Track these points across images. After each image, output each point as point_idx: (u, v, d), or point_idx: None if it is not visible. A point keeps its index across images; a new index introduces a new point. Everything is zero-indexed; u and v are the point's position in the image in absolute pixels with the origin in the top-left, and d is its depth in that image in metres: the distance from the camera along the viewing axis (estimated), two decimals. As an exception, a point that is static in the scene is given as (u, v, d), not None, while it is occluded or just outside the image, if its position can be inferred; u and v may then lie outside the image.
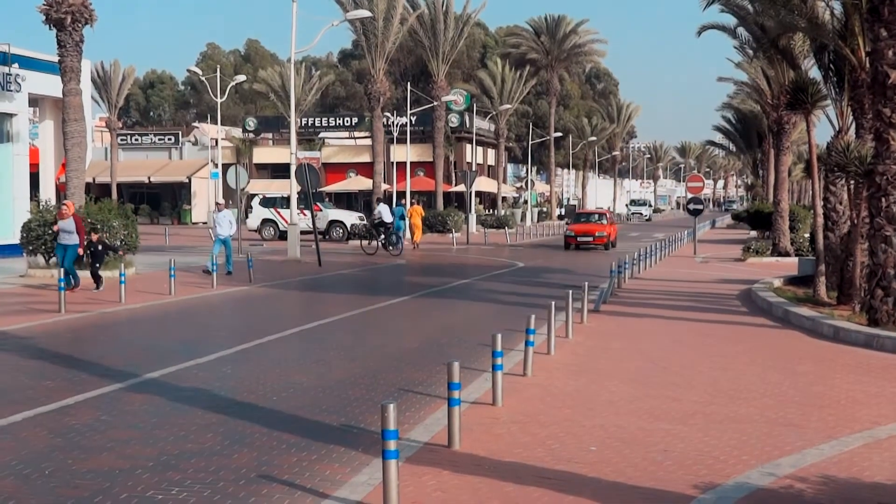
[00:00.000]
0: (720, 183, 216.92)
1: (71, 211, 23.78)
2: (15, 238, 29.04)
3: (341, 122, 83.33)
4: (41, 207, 28.47)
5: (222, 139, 68.10)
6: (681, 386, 12.17)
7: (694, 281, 28.26)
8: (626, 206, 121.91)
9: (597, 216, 49.02)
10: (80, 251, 23.70)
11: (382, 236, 41.17)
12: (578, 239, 45.00)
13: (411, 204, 52.75)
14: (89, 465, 8.38)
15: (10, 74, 33.10)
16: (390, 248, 40.73)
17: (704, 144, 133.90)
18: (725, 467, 8.38)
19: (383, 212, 42.09)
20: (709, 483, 7.87)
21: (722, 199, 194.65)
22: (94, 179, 72.15)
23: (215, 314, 20.32)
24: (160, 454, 8.74)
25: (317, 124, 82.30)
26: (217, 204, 30.90)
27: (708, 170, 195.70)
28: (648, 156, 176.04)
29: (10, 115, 33.91)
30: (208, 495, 7.55)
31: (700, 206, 44.93)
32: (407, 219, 47.78)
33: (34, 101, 35.79)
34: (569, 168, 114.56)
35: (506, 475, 8.05)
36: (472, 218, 61.42)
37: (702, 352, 15.18)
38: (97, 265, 24.09)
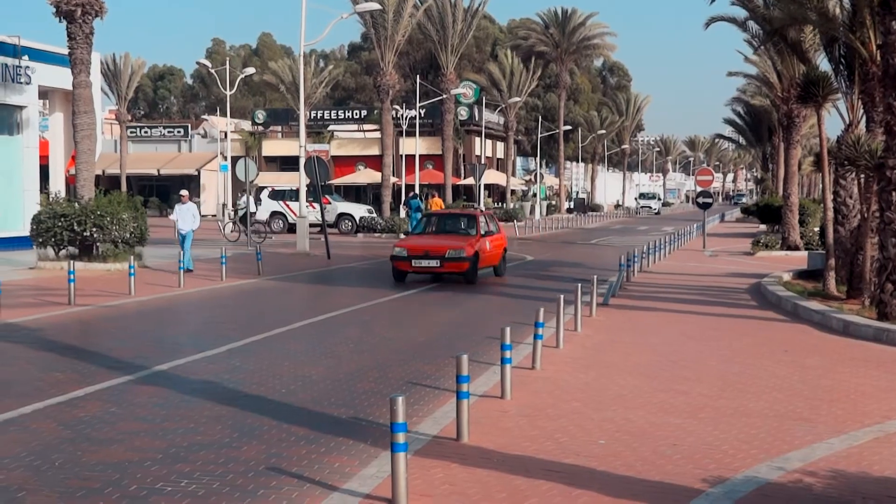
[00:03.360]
0: (729, 176, 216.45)
1: None
2: (25, 230, 29.08)
3: (350, 114, 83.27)
4: (51, 200, 28.51)
5: (231, 132, 68.15)
6: (690, 380, 12.16)
7: (703, 275, 28.22)
8: (636, 199, 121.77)
9: (462, 221, 27.06)
10: None
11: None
12: (414, 263, 24.22)
13: (431, 196, 52.82)
14: (99, 457, 8.41)
15: (21, 66, 33.14)
16: (255, 236, 41.55)
17: (714, 138, 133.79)
18: (734, 461, 8.37)
19: (250, 203, 43.48)
20: (718, 477, 7.86)
21: (731, 193, 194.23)
22: (103, 172, 72.18)
23: (224, 307, 20.33)
24: (169, 446, 8.76)
25: (326, 117, 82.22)
26: (180, 196, 28.81)
27: (717, 163, 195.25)
28: (658, 149, 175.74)
29: (21, 108, 33.95)
30: (217, 487, 7.57)
31: (709, 200, 44.72)
32: (425, 210, 48.08)
33: (44, 93, 35.81)
34: (578, 161, 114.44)
35: (514, 468, 8.05)
36: (481, 211, 61.26)
37: (711, 346, 15.16)
38: None
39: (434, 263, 23.94)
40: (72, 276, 19.43)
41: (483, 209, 35.02)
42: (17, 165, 33.87)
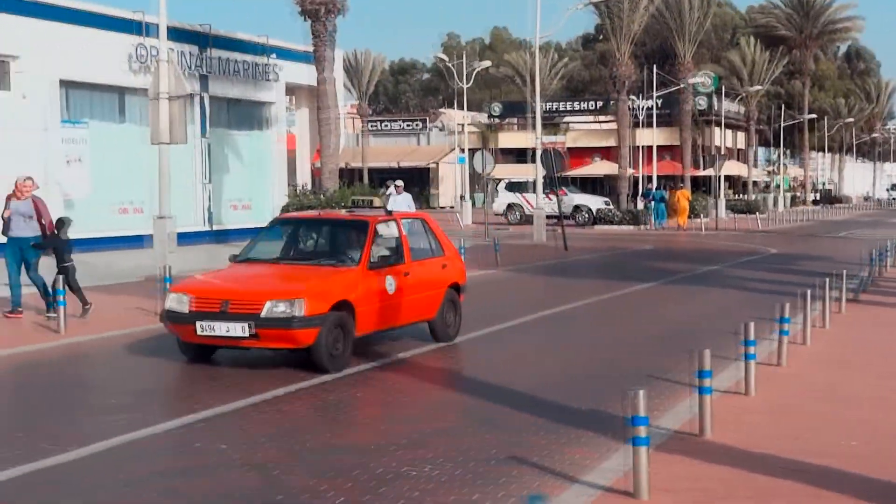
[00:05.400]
0: None
1: (30, 189, 15.51)
2: (275, 221, 30.41)
3: (585, 106, 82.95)
4: (298, 192, 29.70)
5: (467, 124, 69.15)
6: (949, 381, 11.48)
7: (962, 270, 26.52)
8: (887, 190, 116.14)
9: (337, 237, 14.09)
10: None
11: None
12: (201, 327, 11.54)
13: (678, 188, 52.45)
14: (345, 440, 8.72)
15: (268, 65, 34.69)
16: None
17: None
18: None
19: (391, 205, 31.68)
20: (983, 485, 7.39)
21: None
22: (346, 164, 74.55)
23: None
24: (412, 431, 8.97)
25: (561, 108, 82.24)
26: (396, 186, 26.90)
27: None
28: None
29: (269, 104, 35.57)
30: (459, 474, 7.69)
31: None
32: (670, 202, 48.05)
33: (290, 89, 37.37)
34: (823, 151, 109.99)
35: (758, 466, 7.81)
36: (721, 203, 59.98)
37: (972, 345, 14.25)
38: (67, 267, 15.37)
39: (239, 330, 11.45)
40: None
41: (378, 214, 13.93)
42: (265, 160, 35.51)
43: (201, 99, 32.26)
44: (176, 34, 28.11)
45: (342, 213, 14.74)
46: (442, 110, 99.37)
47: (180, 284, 12.80)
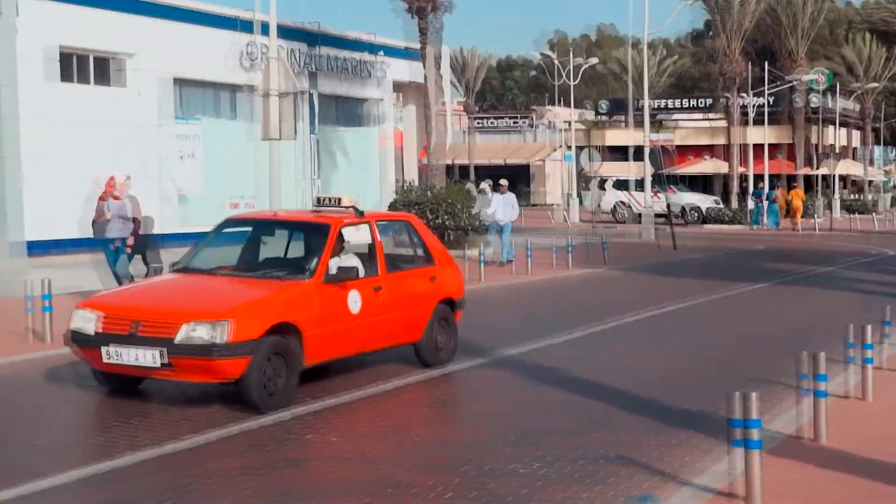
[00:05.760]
0: None
1: (125, 189, 16.04)
2: (382, 217, 30.64)
3: (694, 103, 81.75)
4: (404, 188, 29.85)
5: (574, 121, 68.80)
6: None
7: None
8: None
9: (293, 244, 11.93)
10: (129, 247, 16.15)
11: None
12: (110, 353, 9.47)
13: (792, 188, 51.80)
14: (450, 436, 8.75)
15: (375, 62, 34.93)
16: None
17: None
18: None
19: (495, 204, 25.92)
20: None
21: None
22: (452, 161, 74.80)
23: (571, 295, 20.53)
24: (518, 429, 8.94)
25: (669, 106, 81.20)
26: (499, 185, 26.13)
27: None
28: None
29: (377, 101, 35.84)
30: (568, 472, 7.63)
31: None
32: (776, 200, 47.88)
33: (397, 86, 37.59)
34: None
35: (877, 473, 7.57)
36: (836, 203, 58.64)
37: None
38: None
39: (150, 358, 9.36)
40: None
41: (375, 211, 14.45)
42: (373, 156, 35.79)
43: (310, 96, 32.64)
44: (285, 32, 28.47)
45: (305, 213, 12.79)
46: (548, 108, 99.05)
47: (91, 299, 10.75)
